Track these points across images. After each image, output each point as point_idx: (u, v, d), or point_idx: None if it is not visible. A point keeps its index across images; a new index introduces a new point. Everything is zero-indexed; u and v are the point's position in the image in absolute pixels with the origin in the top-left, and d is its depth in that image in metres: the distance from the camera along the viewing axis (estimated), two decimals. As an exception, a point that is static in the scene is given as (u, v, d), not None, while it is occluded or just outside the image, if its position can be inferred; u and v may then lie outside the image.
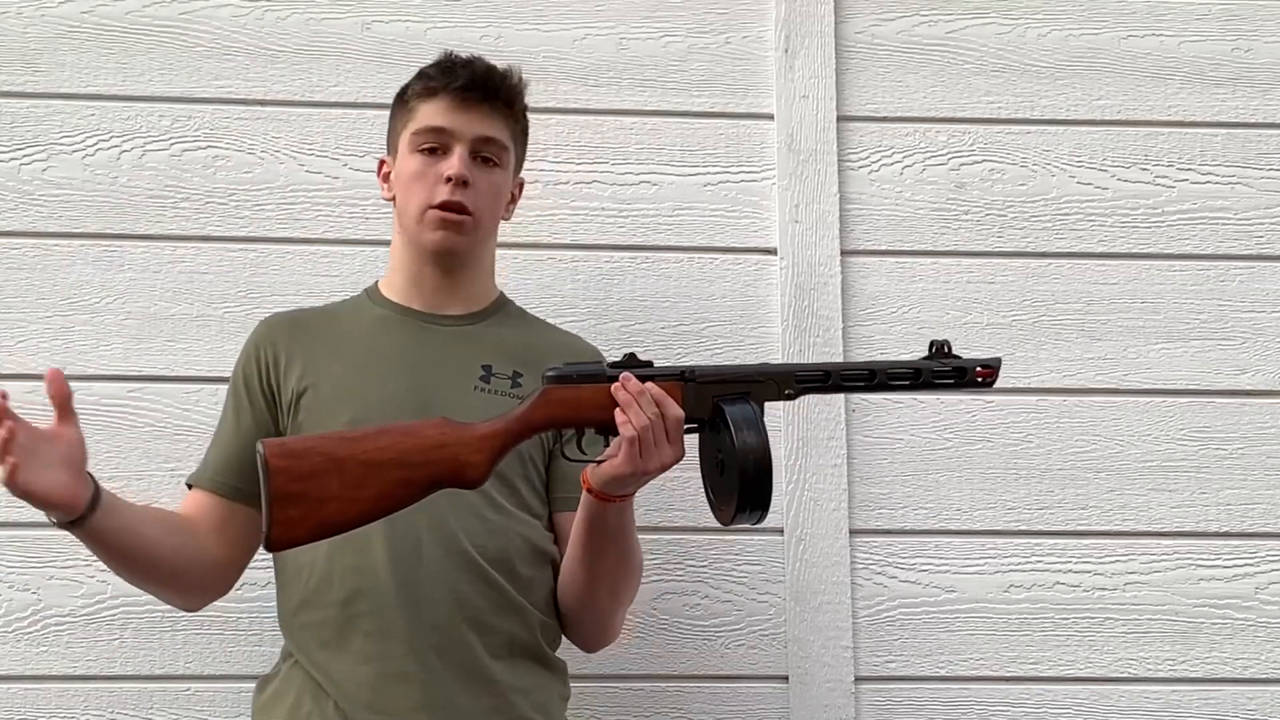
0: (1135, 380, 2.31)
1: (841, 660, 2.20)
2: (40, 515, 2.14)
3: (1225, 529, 2.28)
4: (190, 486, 1.94)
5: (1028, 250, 2.34)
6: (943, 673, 2.23)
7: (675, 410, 1.68)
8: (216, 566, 1.89)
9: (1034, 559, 2.26)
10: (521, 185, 2.04)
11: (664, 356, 2.24)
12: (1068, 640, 2.24)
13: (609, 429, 1.71)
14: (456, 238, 1.89)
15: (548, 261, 2.28)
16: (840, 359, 2.25)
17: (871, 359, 1.81)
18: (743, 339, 2.28)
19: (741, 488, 1.66)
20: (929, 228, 2.34)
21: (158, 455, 2.18)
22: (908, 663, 2.22)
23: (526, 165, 2.20)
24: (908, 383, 1.77)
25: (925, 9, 2.41)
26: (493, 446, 1.69)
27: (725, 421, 1.68)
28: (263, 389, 1.92)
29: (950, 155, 2.37)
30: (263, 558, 1.88)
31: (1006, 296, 2.33)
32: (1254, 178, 2.38)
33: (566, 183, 2.31)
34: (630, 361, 1.74)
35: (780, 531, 2.22)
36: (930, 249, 2.34)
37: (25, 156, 2.26)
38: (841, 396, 2.24)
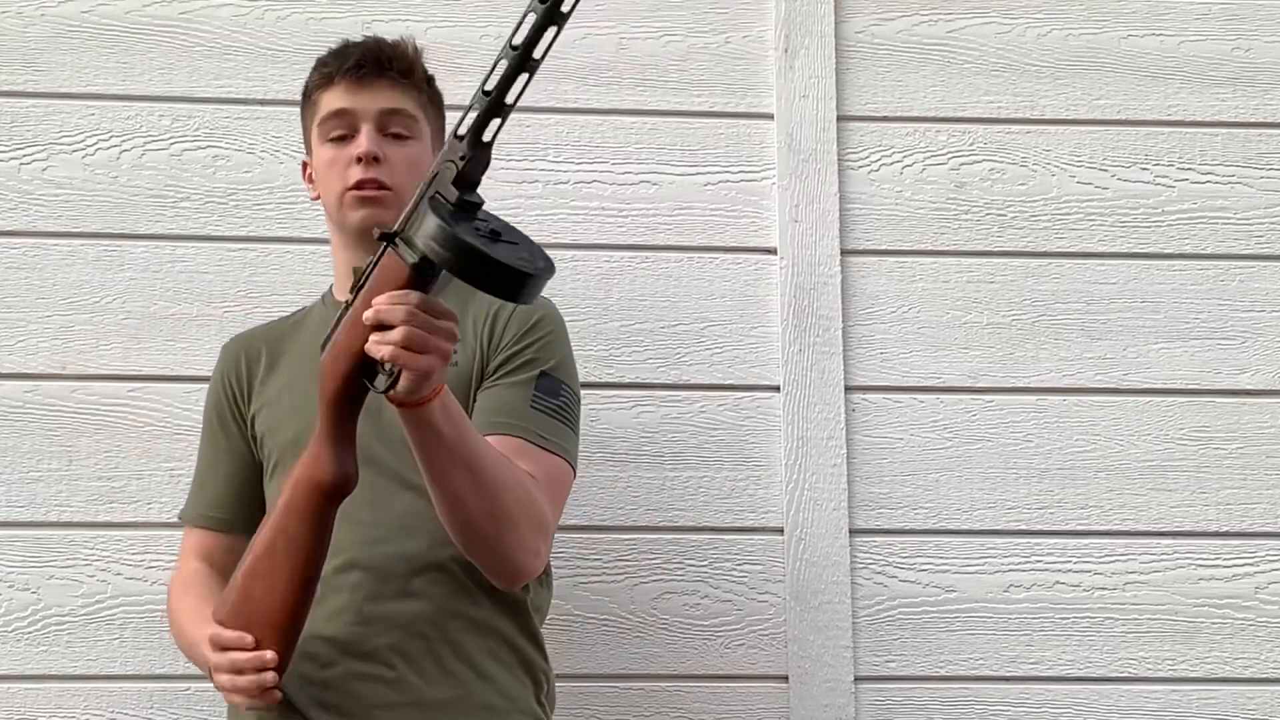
0: (1135, 380, 2.31)
1: (841, 660, 2.20)
2: (40, 515, 2.16)
3: (1225, 529, 2.28)
4: (181, 520, 1.96)
5: (1028, 250, 2.34)
6: (942, 673, 2.22)
7: (419, 298, 1.49)
8: None
9: (1034, 559, 2.26)
10: None
11: (664, 356, 2.25)
12: (1068, 640, 2.24)
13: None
14: (380, 212, 1.81)
15: (548, 261, 2.28)
16: (840, 358, 2.26)
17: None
18: (743, 339, 2.28)
19: (477, 279, 1.48)
20: (929, 228, 2.34)
21: (158, 455, 2.17)
22: (907, 662, 2.22)
23: (527, 164, 2.20)
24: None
25: (925, 9, 2.40)
26: (321, 443, 1.63)
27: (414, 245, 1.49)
28: (235, 418, 1.92)
29: (950, 155, 2.37)
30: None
31: (1006, 296, 2.33)
32: (1254, 178, 2.38)
33: (566, 182, 2.31)
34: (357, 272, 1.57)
35: (780, 531, 2.22)
36: (930, 249, 2.33)
37: (25, 156, 2.25)
38: (841, 396, 2.25)
